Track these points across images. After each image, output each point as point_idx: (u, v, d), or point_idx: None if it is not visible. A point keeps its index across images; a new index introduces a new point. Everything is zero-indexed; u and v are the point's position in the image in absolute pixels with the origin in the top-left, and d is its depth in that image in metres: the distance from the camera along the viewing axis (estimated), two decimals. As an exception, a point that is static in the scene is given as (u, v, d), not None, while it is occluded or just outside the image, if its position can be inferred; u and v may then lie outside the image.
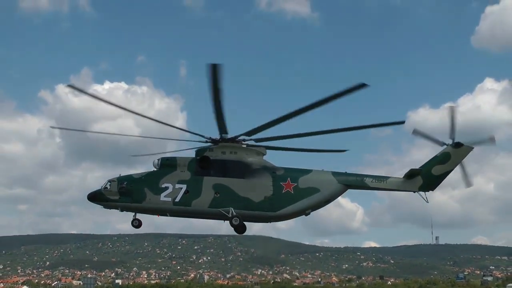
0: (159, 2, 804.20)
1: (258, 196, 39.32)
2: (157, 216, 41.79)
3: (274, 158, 41.94)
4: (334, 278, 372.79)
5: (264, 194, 39.39)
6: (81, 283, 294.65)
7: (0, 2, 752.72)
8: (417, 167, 40.67)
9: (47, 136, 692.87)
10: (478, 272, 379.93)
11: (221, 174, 39.67)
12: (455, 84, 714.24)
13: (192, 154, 41.41)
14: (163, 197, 39.50)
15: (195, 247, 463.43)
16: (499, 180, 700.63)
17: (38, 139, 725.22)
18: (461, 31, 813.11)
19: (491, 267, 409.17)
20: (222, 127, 37.83)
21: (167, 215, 40.89)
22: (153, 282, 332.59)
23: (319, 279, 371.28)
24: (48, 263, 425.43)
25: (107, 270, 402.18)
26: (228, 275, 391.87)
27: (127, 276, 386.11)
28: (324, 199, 40.33)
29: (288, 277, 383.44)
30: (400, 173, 41.25)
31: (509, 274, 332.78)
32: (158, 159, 40.60)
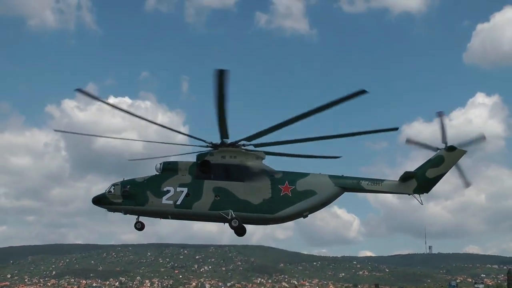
0: (162, 20, 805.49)
1: (257, 199, 39.04)
2: (159, 219, 41.44)
3: (273, 164, 41.73)
4: (331, 287, 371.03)
5: (263, 196, 39.10)
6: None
7: (8, 20, 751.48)
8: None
9: (54, 150, 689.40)
10: (470, 280, 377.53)
11: (221, 178, 39.43)
12: (448, 98, 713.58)
13: (193, 158, 41.23)
14: (165, 200, 39.30)
15: (197, 257, 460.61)
16: (490, 191, 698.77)
17: (45, 153, 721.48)
18: (454, 48, 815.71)
19: (482, 275, 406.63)
20: (223, 132, 37.60)
21: (168, 218, 40.48)
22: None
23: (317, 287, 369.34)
24: (54, 272, 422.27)
25: (111, 279, 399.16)
26: (228, 284, 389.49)
27: (130, 285, 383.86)
28: (321, 201, 40.01)
29: (287, 285, 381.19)
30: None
31: (499, 282, 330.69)
32: (160, 164, 40.42)
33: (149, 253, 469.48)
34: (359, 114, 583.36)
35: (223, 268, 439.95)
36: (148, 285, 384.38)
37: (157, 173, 40.26)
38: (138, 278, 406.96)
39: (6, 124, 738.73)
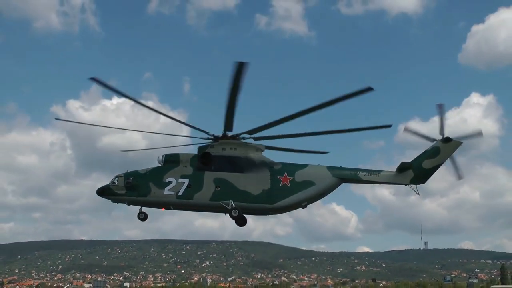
0: (164, 23, 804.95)
1: (256, 189, 38.79)
2: (161, 209, 41.24)
3: (273, 158, 41.52)
4: (329, 281, 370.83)
5: (262, 187, 38.85)
6: (92, 286, 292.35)
7: (15, 22, 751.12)
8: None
9: (59, 149, 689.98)
10: (464, 275, 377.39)
11: (222, 169, 39.20)
12: (443, 98, 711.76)
13: (194, 150, 41.13)
14: (167, 191, 39.05)
15: (199, 252, 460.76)
16: (484, 189, 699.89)
17: (51, 151, 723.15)
18: (449, 49, 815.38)
19: (476, 270, 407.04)
20: (229, 124, 37.31)
21: (171, 208, 40.29)
22: (159, 285, 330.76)
23: (315, 282, 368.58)
24: (60, 267, 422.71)
25: (115, 274, 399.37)
26: (229, 279, 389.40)
27: (134, 279, 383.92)
28: (319, 192, 39.72)
29: (286, 280, 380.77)
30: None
31: (492, 276, 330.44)
32: (162, 156, 40.19)
33: (152, 249, 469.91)
34: (357, 114, 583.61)
35: (224, 264, 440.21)
36: (152, 279, 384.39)
37: (159, 165, 39.98)
38: (142, 273, 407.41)
39: (13, 124, 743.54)
